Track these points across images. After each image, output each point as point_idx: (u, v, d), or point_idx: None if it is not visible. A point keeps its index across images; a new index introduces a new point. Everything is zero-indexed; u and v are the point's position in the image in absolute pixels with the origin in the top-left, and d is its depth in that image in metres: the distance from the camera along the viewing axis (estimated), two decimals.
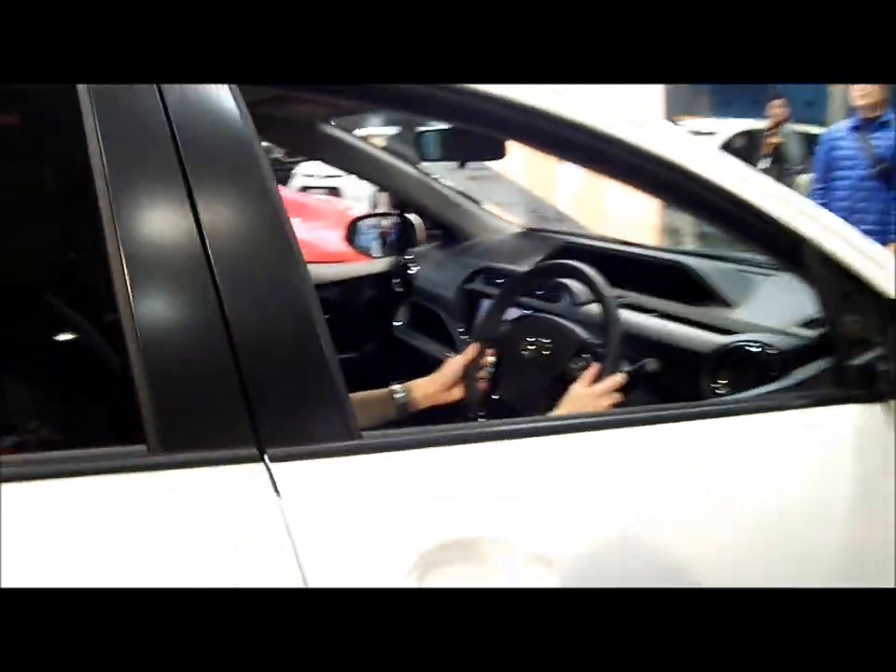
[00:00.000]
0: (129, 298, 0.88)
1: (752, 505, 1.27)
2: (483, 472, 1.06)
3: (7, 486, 0.81)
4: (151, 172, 0.95)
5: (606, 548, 1.10)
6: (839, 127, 4.96)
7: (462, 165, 1.95)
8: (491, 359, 1.88)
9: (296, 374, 0.95)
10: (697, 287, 2.03)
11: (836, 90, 17.08)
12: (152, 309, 0.90)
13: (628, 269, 2.13)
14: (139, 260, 0.90)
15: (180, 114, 0.98)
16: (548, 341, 1.76)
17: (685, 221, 7.25)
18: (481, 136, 1.80)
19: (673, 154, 1.28)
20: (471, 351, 1.84)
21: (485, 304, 2.43)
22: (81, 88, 0.97)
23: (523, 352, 1.79)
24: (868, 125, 4.67)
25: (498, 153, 1.85)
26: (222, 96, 1.01)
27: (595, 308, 1.91)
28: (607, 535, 1.11)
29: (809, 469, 1.35)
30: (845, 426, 1.38)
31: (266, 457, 0.90)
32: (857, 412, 1.39)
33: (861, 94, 4.61)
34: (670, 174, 1.30)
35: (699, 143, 1.37)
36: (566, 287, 2.11)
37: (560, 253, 2.51)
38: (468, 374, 1.83)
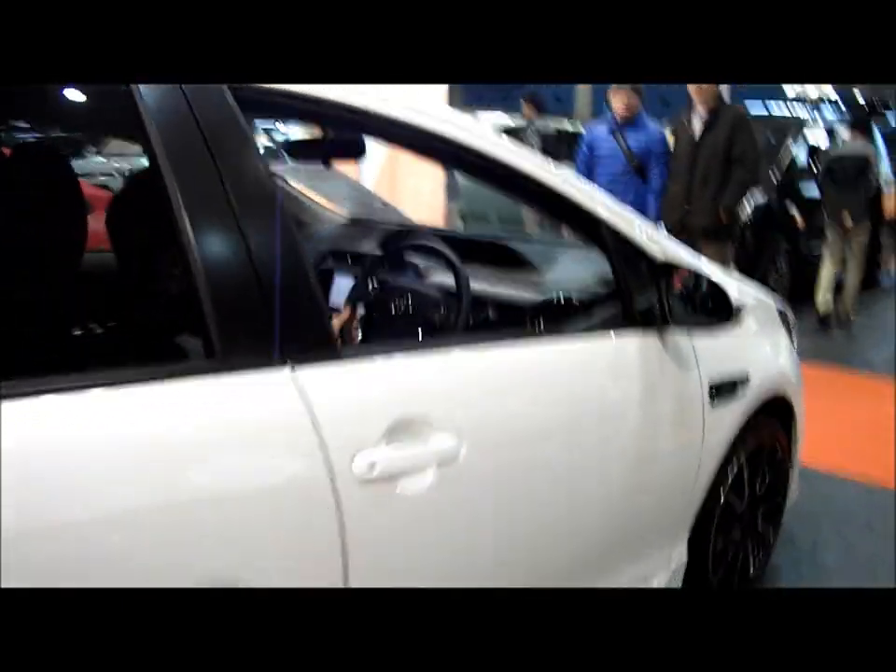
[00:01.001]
0: (201, 266, 1.30)
1: (566, 399, 1.85)
2: (419, 373, 1.57)
3: (150, 385, 1.23)
4: (193, 159, 1.34)
5: (492, 426, 1.66)
6: (599, 128, 5.58)
7: (327, 166, 2.34)
8: (360, 318, 2.38)
9: (302, 309, 1.42)
10: (514, 259, 2.62)
11: (583, 87, 18.09)
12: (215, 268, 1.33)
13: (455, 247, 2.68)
14: (203, 232, 1.33)
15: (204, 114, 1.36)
16: (411, 300, 2.28)
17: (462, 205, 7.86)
18: (343, 140, 2.21)
19: (490, 148, 1.79)
20: (346, 312, 2.34)
21: (339, 279, 2.91)
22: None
23: (391, 309, 2.30)
24: (623, 127, 5.35)
25: (359, 153, 2.23)
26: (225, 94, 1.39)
27: (439, 277, 2.46)
28: (493, 415, 1.66)
29: (605, 374, 1.97)
30: (630, 346, 2.00)
31: (288, 362, 1.37)
32: (638, 337, 2.01)
33: (616, 97, 5.28)
34: (488, 164, 1.80)
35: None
36: (412, 262, 2.64)
37: (389, 237, 3.01)
38: (344, 329, 2.32)
